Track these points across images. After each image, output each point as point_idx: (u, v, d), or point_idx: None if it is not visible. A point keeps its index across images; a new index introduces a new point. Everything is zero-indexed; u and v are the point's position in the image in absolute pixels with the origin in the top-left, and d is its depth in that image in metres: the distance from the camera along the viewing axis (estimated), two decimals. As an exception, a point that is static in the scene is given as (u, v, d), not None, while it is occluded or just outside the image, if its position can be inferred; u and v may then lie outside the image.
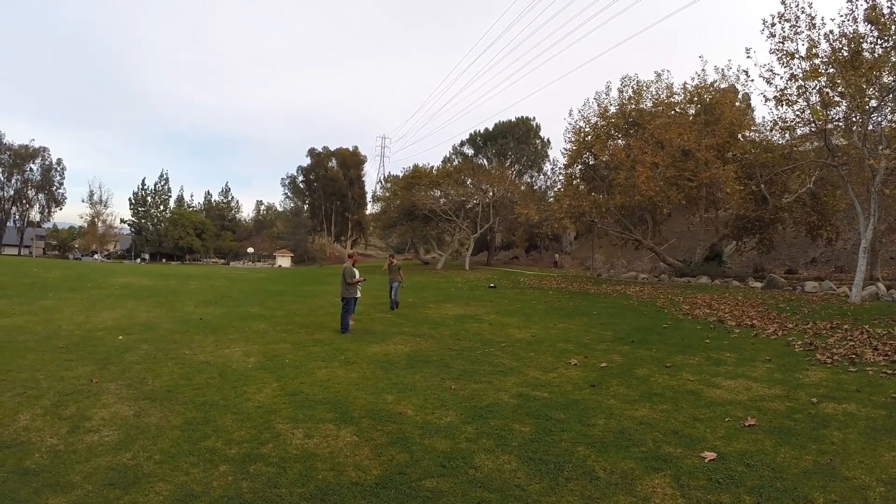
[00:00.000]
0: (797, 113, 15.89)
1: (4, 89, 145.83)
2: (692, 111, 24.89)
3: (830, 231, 22.15)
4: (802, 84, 15.23)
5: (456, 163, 56.58)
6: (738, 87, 23.42)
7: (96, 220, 70.27)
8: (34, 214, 69.69)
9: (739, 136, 23.48)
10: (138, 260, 68.76)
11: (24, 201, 67.15)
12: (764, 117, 32.26)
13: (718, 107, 23.20)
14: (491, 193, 42.34)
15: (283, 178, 78.23)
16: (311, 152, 67.64)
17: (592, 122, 27.64)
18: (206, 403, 6.26)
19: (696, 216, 25.95)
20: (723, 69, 24.08)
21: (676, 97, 25.52)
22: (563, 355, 8.87)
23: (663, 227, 29.54)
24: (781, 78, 15.67)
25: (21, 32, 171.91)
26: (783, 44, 15.27)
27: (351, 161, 67.61)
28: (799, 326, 10.61)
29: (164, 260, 70.14)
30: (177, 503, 3.98)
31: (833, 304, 13.46)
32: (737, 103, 24.44)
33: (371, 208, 68.95)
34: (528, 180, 56.97)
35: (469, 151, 62.02)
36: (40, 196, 68.60)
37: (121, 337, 10.33)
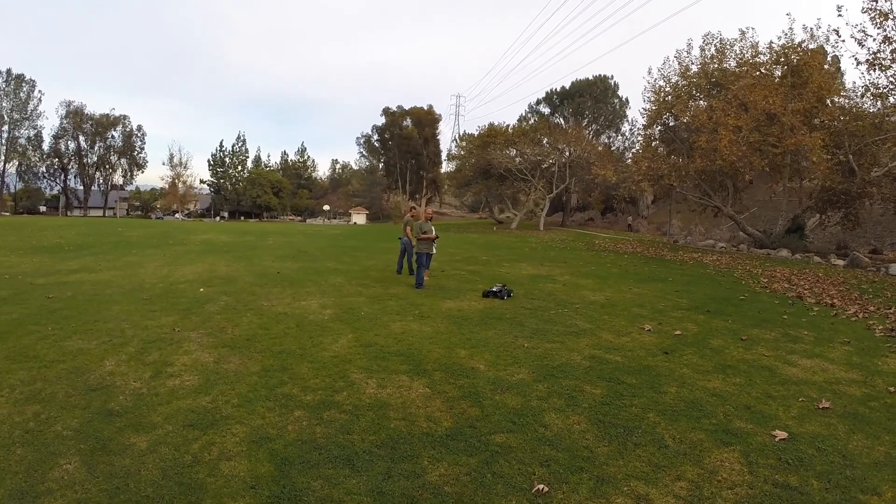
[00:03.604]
0: (891, 79, 14.47)
1: (87, 63, 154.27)
2: (778, 73, 23.18)
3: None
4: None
5: (532, 121, 55.61)
6: (828, 48, 21.77)
7: (177, 181, 73.65)
8: (117, 178, 73.81)
9: (828, 101, 21.77)
10: (217, 218, 71.69)
11: (107, 166, 71.06)
12: (854, 82, 29.86)
13: (806, 69, 21.47)
14: (567, 153, 41.41)
15: (358, 138, 78.90)
16: (386, 111, 67.74)
17: (673, 81, 26.33)
18: (283, 352, 6.54)
19: (780, 185, 24.49)
20: (811, 28, 22.20)
21: (762, 57, 23.78)
22: (637, 320, 8.71)
23: (744, 194, 28.08)
24: (874, 40, 14.25)
25: (103, 9, 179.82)
26: (876, 1, 13.80)
27: (426, 120, 67.27)
28: (881, 310, 9.91)
29: (242, 218, 72.71)
30: (252, 445, 4.19)
31: (920, 289, 12.48)
32: (826, 66, 22.59)
33: (446, 167, 68.93)
34: (606, 140, 55.43)
35: (545, 110, 60.81)
36: (122, 161, 72.35)
37: (202, 289, 10.81)
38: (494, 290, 10.43)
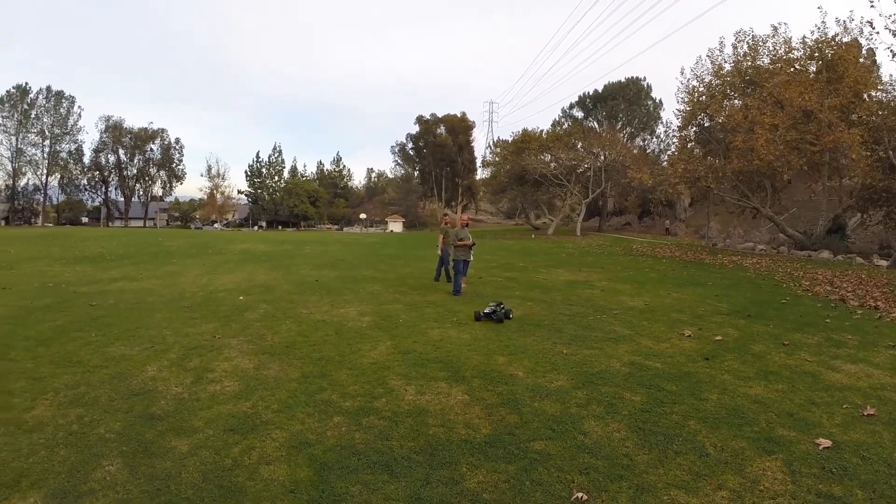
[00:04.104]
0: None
1: (125, 80, 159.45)
2: (813, 68, 22.59)
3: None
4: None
5: (566, 126, 55.42)
6: (862, 41, 21.14)
7: (215, 192, 75.25)
8: (157, 189, 76.06)
9: (865, 96, 21.11)
10: (255, 227, 72.94)
11: (146, 178, 73.22)
12: (892, 75, 28.79)
13: (841, 63, 20.87)
14: (602, 157, 41.12)
15: (392, 146, 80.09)
16: (420, 119, 68.29)
17: (706, 80, 25.86)
18: (322, 359, 6.64)
19: (819, 184, 23.83)
20: (844, 21, 21.59)
21: (795, 53, 23.21)
22: (677, 326, 8.59)
23: (783, 194, 27.39)
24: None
25: (140, 29, 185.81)
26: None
27: (459, 127, 67.56)
28: (928, 313, 9.58)
29: (279, 227, 73.77)
30: (292, 450, 4.26)
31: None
32: (861, 59, 21.91)
33: (481, 173, 69.18)
34: (641, 143, 54.88)
35: (579, 114, 60.55)
36: (161, 173, 74.47)
37: (241, 297, 11.02)
38: (487, 311, 8.92)
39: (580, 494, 3.60)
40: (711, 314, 9.55)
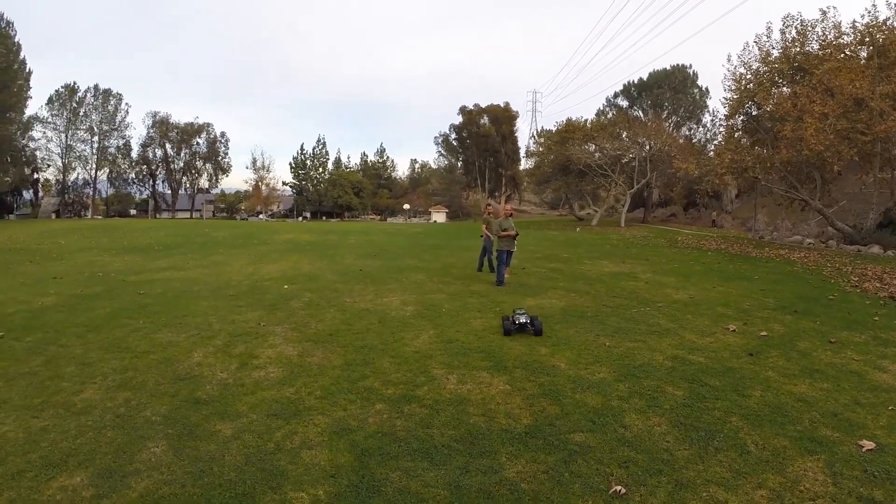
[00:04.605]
0: None
1: (174, 77, 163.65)
2: (864, 54, 21.52)
3: None
4: None
5: (610, 115, 54.20)
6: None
7: (260, 183, 76.69)
8: (203, 182, 77.61)
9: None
10: (300, 218, 73.83)
11: (193, 171, 74.89)
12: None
13: (893, 48, 19.76)
14: (648, 147, 40.12)
15: (436, 137, 79.48)
16: (463, 110, 67.83)
17: (753, 67, 24.91)
18: (365, 347, 6.79)
19: (870, 176, 22.78)
20: None
21: (845, 38, 22.06)
22: (721, 320, 8.45)
23: (832, 186, 26.28)
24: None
25: (184, 25, 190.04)
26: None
27: (503, 117, 66.93)
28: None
29: (324, 217, 74.48)
30: (333, 435, 4.39)
31: None
32: None
33: (524, 164, 68.56)
34: (687, 133, 53.19)
35: (623, 103, 59.14)
36: (207, 165, 75.97)
37: (286, 286, 11.27)
38: (522, 320, 7.34)
39: (619, 488, 3.63)
40: (757, 309, 9.34)
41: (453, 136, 71.65)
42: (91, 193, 67.31)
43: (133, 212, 71.82)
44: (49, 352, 6.65)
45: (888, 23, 20.70)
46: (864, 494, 3.57)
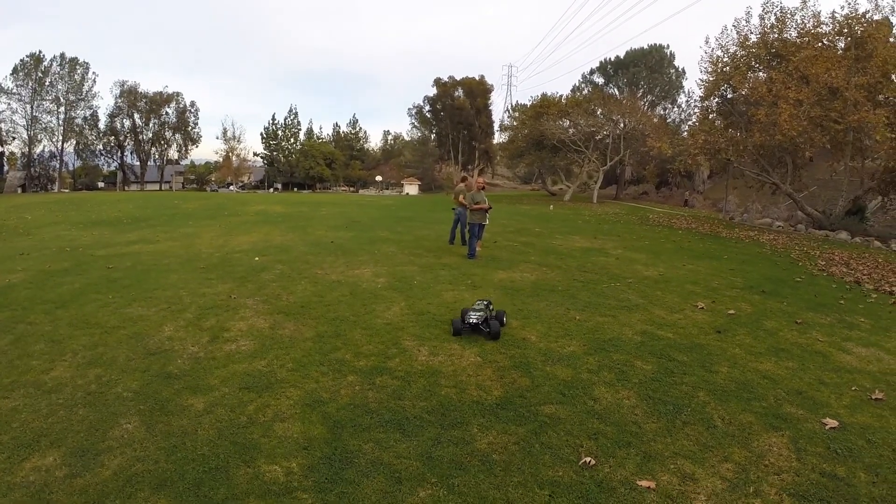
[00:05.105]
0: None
1: (140, 45, 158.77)
2: (841, 44, 21.85)
3: None
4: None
5: (585, 92, 54.24)
6: (894, 20, 20.52)
7: (230, 154, 75.12)
8: (172, 153, 75.67)
9: (893, 76, 20.49)
10: (271, 189, 73.18)
11: (162, 142, 72.99)
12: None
13: (871, 41, 20.10)
14: (622, 125, 40.28)
15: (409, 108, 78.45)
16: (437, 82, 67.10)
17: (731, 51, 25.11)
18: (336, 319, 6.74)
19: (841, 164, 23.28)
20: None
21: (824, 27, 22.36)
22: (690, 297, 8.57)
23: (803, 172, 26.82)
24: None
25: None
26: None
27: (477, 90, 66.45)
28: (944, 301, 9.43)
29: (295, 189, 73.70)
30: (306, 408, 4.38)
31: None
32: (891, 39, 21.21)
33: (498, 138, 68.24)
34: (661, 112, 53.53)
35: (599, 80, 59.22)
36: (177, 136, 74.21)
37: (257, 258, 11.10)
38: (473, 320, 6.07)
39: (588, 459, 3.67)
40: (726, 288, 9.50)
41: (427, 108, 71.06)
42: (58, 166, 65.14)
43: (101, 184, 70.05)
44: (17, 330, 6.43)
45: (867, 16, 20.98)
46: (826, 470, 3.67)
